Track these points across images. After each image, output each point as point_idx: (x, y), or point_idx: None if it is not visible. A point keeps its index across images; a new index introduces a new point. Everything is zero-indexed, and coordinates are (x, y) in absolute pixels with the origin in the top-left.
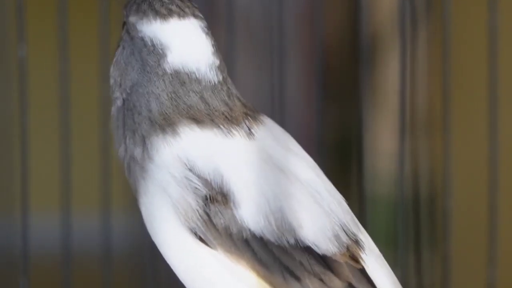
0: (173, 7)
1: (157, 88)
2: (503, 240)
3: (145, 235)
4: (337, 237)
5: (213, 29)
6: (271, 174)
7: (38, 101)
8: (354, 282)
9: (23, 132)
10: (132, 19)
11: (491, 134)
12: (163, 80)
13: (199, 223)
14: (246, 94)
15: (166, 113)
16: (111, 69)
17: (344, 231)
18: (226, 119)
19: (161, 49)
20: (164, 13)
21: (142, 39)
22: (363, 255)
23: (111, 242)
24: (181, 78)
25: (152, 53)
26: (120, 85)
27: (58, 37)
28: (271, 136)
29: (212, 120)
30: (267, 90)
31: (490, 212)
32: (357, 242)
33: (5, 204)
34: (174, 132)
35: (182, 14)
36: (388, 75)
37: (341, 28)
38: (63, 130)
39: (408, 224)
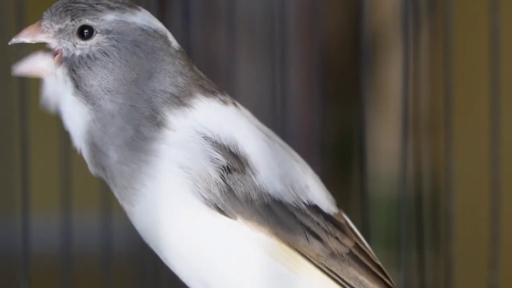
0: (126, 1)
1: (178, 65)
2: (505, 241)
3: None
4: (329, 197)
5: (214, 29)
6: (268, 140)
7: (38, 101)
8: (357, 240)
9: (23, 132)
10: (109, 17)
11: (493, 134)
12: (178, 58)
13: (218, 194)
14: (247, 93)
15: (187, 85)
16: (89, 78)
17: (327, 192)
18: (216, 88)
19: (162, 32)
20: (132, 5)
21: (142, 29)
22: (344, 215)
23: (111, 242)
24: (185, 54)
25: (159, 38)
26: (110, 89)
27: None
28: (245, 110)
29: (209, 89)
30: (268, 90)
31: (493, 213)
32: (336, 202)
33: (6, 204)
34: (189, 104)
35: (137, 6)
36: (390, 75)
37: (343, 27)
38: (64, 130)
39: (410, 225)
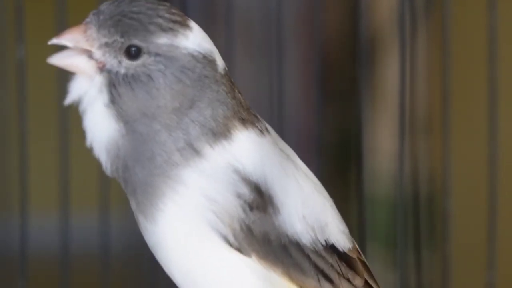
0: (178, 18)
1: (222, 92)
2: (503, 240)
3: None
4: (344, 231)
5: (212, 29)
6: (296, 173)
7: (37, 102)
8: (366, 277)
9: (22, 132)
10: (161, 40)
11: (490, 134)
12: (223, 83)
13: (238, 230)
14: (245, 94)
15: (227, 116)
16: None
17: (342, 224)
18: (254, 115)
19: (211, 57)
20: (185, 24)
21: (192, 55)
22: (357, 247)
23: (109, 242)
24: (229, 77)
25: (207, 64)
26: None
27: None
28: (273, 131)
29: (248, 118)
30: (266, 90)
31: (490, 212)
32: (349, 234)
33: (4, 205)
34: (229, 136)
35: (189, 21)
36: (388, 75)
37: (341, 28)
38: (62, 131)
39: (407, 224)
